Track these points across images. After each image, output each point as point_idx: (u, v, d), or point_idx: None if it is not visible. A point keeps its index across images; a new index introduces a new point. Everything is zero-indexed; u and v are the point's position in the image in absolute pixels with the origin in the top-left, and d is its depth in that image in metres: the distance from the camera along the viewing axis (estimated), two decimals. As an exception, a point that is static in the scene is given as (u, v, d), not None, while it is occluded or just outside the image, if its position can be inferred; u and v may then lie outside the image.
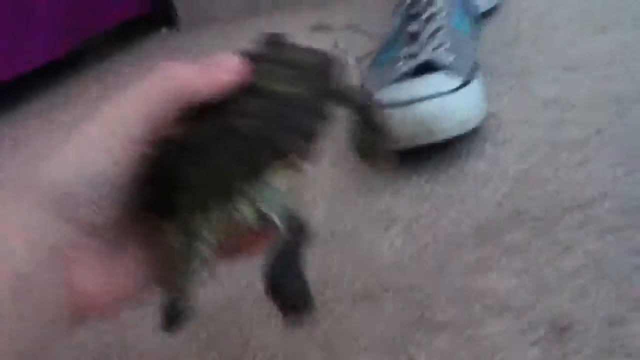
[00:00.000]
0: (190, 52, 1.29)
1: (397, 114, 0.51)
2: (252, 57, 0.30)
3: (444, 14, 0.60)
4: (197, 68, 0.28)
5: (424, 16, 0.60)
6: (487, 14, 0.79)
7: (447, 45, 0.58)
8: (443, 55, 0.56)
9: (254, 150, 0.27)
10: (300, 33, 1.07)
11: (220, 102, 0.28)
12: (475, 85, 0.56)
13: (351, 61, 0.75)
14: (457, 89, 0.53)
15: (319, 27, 1.03)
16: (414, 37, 0.59)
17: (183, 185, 0.26)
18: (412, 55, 0.57)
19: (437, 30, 0.59)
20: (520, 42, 0.71)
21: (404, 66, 0.57)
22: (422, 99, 0.51)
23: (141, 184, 0.27)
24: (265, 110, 0.28)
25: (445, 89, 0.52)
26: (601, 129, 0.51)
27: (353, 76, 0.68)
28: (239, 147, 0.27)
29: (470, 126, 0.53)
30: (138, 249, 0.28)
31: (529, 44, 0.70)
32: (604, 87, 0.58)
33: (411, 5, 0.62)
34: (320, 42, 0.97)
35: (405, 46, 0.59)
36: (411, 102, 0.51)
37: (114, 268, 0.27)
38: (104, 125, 0.26)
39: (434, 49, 0.57)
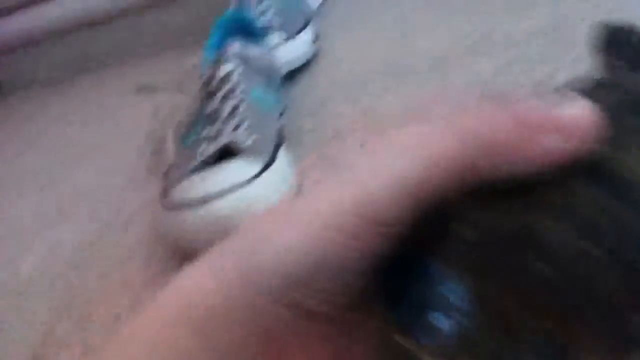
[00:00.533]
0: (15, 118, 1.18)
1: (189, 217, 0.47)
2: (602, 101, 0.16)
3: (242, 88, 0.57)
4: (510, 118, 0.16)
5: (221, 94, 0.57)
6: (301, 69, 0.77)
7: (248, 124, 0.54)
8: (243, 137, 0.53)
9: (573, 306, 0.15)
10: (125, 95, 1.01)
11: (532, 180, 0.16)
12: (278, 166, 0.53)
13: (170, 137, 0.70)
14: (257, 175, 0.50)
15: (143, 88, 0.98)
16: (212, 117, 0.55)
17: (432, 305, 0.17)
18: (212, 138, 0.54)
19: (236, 108, 0.56)
20: (333, 99, 0.70)
21: (204, 151, 0.53)
22: (216, 196, 0.47)
23: (380, 274, 0.19)
24: (614, 222, 0.15)
25: (243, 178, 0.49)
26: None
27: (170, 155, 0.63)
28: (542, 285, 0.15)
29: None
30: (364, 335, 0.21)
31: (342, 101, 0.69)
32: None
33: (207, 83, 0.58)
34: (143, 106, 0.92)
35: (205, 127, 0.55)
36: (204, 201, 0.47)
37: (337, 352, 0.21)
38: (338, 200, 0.18)
39: (233, 130, 0.54)
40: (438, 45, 0.71)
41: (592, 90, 0.18)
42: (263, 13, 0.76)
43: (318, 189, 0.20)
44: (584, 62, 0.56)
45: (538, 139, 0.16)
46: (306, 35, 0.78)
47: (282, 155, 0.55)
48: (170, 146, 0.66)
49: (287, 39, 0.76)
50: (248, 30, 0.66)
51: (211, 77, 0.58)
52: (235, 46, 0.60)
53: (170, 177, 0.55)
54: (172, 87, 0.87)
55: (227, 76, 0.57)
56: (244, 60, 0.60)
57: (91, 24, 1.24)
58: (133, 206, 0.64)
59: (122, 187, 0.70)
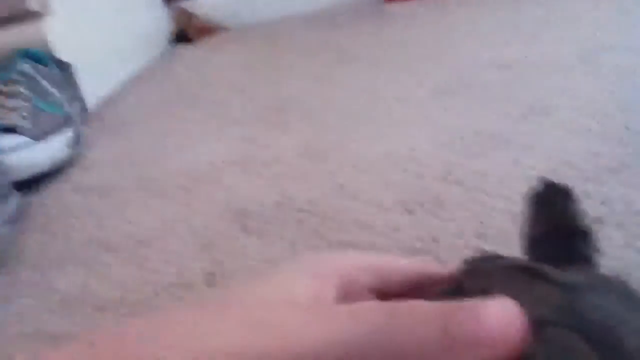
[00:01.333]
0: None
1: None
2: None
3: None
4: (440, 333, 0.16)
5: None
6: (50, 174, 0.70)
7: None
8: None
9: None
10: None
11: None
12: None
13: None
14: None
15: None
16: None
17: None
18: None
19: None
20: (70, 212, 0.63)
21: None
22: None
23: None
24: None
25: None
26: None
27: None
28: None
29: None
30: None
31: (81, 214, 0.63)
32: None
33: None
34: None
35: None
36: None
37: None
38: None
39: None
40: (204, 160, 0.68)
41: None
42: (10, 111, 0.69)
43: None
44: (335, 180, 0.56)
45: (464, 356, 0.16)
46: (60, 139, 0.72)
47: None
48: None
49: (36, 141, 0.69)
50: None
51: None
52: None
53: None
54: None
55: None
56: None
57: None
58: None
59: None
